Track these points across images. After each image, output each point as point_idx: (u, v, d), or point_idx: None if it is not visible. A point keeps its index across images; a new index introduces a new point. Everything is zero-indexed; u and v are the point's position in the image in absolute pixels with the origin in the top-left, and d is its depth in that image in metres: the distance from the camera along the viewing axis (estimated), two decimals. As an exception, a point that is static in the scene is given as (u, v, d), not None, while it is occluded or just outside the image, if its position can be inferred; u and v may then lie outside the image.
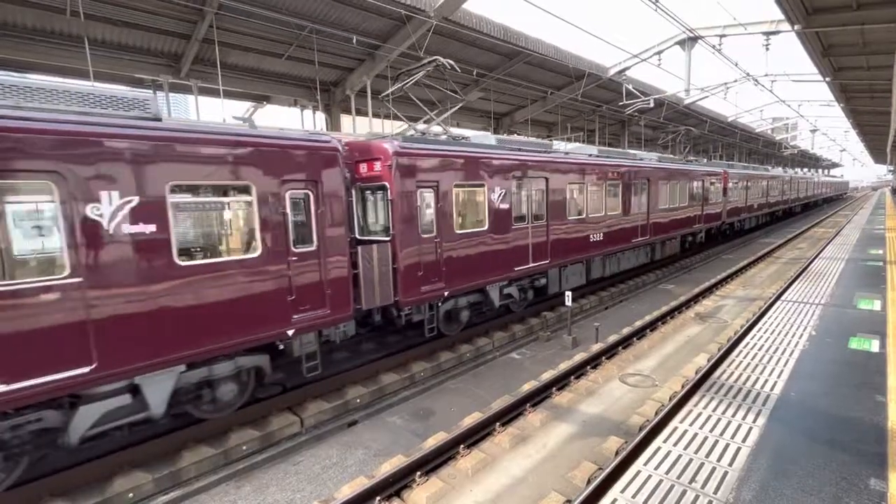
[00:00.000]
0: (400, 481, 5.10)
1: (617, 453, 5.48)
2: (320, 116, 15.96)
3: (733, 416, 4.61)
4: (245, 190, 5.83)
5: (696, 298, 12.89)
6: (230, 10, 10.64)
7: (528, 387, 7.32)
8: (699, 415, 4.68)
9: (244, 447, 6.05)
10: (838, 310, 7.97)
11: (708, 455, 3.97)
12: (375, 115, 16.29)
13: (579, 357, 8.47)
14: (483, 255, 9.27)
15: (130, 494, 5.17)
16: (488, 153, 9.39)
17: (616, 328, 10.41)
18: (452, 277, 8.67)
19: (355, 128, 15.78)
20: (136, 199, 4.94)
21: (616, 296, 13.99)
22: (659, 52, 17.82)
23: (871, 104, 23.25)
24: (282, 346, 6.55)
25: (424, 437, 6.33)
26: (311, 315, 6.54)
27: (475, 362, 9.16)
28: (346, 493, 4.86)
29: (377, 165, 7.78)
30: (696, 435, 4.31)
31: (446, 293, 8.64)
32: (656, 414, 6.36)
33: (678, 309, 11.79)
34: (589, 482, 4.96)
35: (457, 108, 11.54)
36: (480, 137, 10.25)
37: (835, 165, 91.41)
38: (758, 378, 5.43)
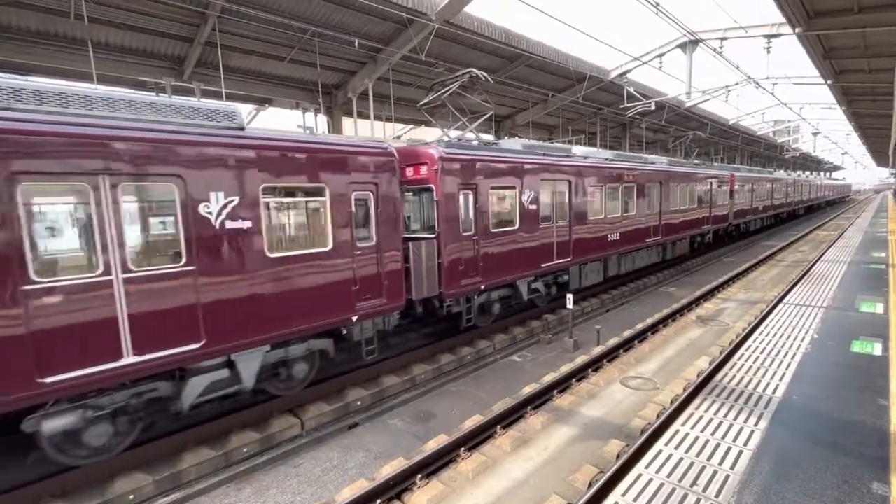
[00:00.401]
0: (401, 484, 5.09)
1: (618, 456, 5.46)
2: (322, 119, 16.00)
3: (735, 419, 4.59)
4: (320, 192, 6.67)
5: (697, 301, 12.86)
6: (232, 13, 10.70)
7: (528, 389, 7.30)
8: (701, 418, 4.66)
9: (245, 449, 6.05)
10: (840, 313, 7.94)
11: (710, 458, 3.96)
12: (377, 118, 16.33)
13: (580, 360, 8.46)
14: (514, 252, 10.05)
15: (131, 496, 5.18)
16: (520, 158, 10.16)
17: (617, 331, 10.39)
18: (488, 272, 9.43)
19: (357, 130, 15.81)
20: (236, 199, 5.75)
21: (617, 298, 13.96)
22: (660, 55, 17.85)
23: (873, 107, 23.22)
24: (345, 332, 7.31)
25: (425, 439, 6.32)
26: (371, 304, 7.35)
27: (476, 365, 9.15)
28: (347, 495, 4.86)
29: (423, 169, 8.48)
30: (697, 438, 4.29)
31: (482, 286, 9.37)
32: (658, 417, 6.34)
33: (679, 312, 11.77)
34: (590, 485, 4.95)
35: (487, 115, 12.47)
36: (510, 143, 10.86)
37: (837, 168, 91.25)
38: (759, 381, 5.42)
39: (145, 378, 5.34)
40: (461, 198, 8.78)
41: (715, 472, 3.76)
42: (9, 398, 4.33)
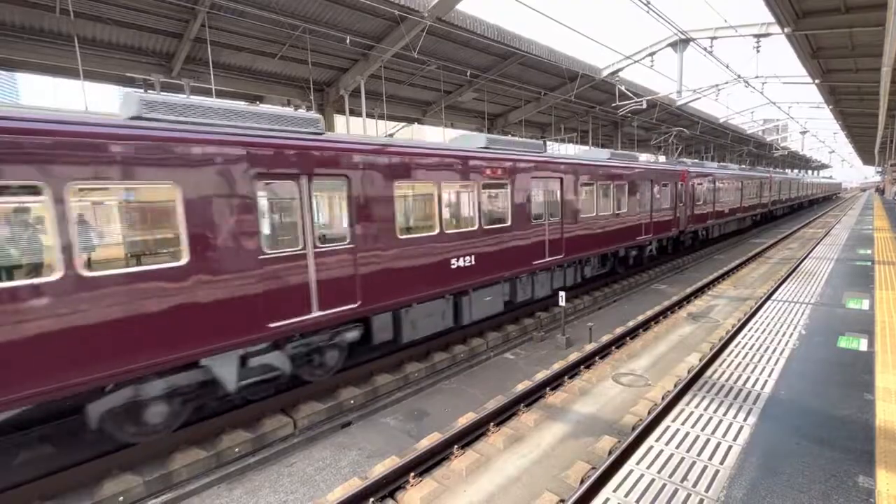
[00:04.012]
0: (394, 482, 5.09)
1: (610, 453, 5.51)
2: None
3: (724, 414, 4.64)
4: (667, 184, 16.44)
5: (688, 298, 12.99)
6: (222, 9, 10.57)
7: (521, 387, 7.33)
8: (691, 414, 4.71)
9: (237, 449, 6.01)
10: (828, 309, 8.05)
11: (699, 454, 4.00)
12: (369, 116, 16.24)
13: (573, 357, 8.51)
14: (696, 215, 19.84)
15: (121, 498, 5.12)
16: (702, 170, 20.57)
17: (609, 328, 10.46)
18: (693, 223, 19.53)
19: (349, 128, 15.73)
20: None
21: (609, 296, 14.06)
22: (651, 54, 17.91)
23: (860, 106, 23.55)
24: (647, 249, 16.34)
25: (418, 437, 6.33)
26: (664, 233, 16.69)
27: (469, 363, 9.16)
28: (340, 494, 4.85)
29: (679, 176, 17.89)
30: (687, 434, 4.33)
31: (690, 229, 19.41)
32: (649, 413, 6.40)
33: (671, 309, 11.87)
34: (582, 482, 4.98)
35: (680, 150, 27.52)
36: (688, 161, 22.07)
37: (824, 167, 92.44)
38: (749, 377, 5.48)
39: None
40: (689, 189, 18.82)
41: (705, 468, 3.80)
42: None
